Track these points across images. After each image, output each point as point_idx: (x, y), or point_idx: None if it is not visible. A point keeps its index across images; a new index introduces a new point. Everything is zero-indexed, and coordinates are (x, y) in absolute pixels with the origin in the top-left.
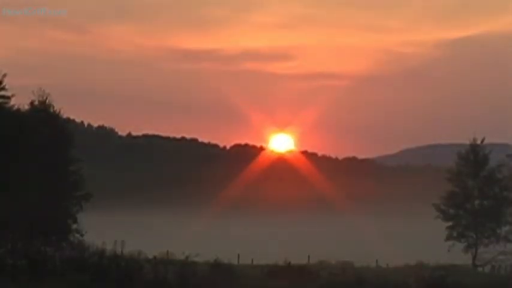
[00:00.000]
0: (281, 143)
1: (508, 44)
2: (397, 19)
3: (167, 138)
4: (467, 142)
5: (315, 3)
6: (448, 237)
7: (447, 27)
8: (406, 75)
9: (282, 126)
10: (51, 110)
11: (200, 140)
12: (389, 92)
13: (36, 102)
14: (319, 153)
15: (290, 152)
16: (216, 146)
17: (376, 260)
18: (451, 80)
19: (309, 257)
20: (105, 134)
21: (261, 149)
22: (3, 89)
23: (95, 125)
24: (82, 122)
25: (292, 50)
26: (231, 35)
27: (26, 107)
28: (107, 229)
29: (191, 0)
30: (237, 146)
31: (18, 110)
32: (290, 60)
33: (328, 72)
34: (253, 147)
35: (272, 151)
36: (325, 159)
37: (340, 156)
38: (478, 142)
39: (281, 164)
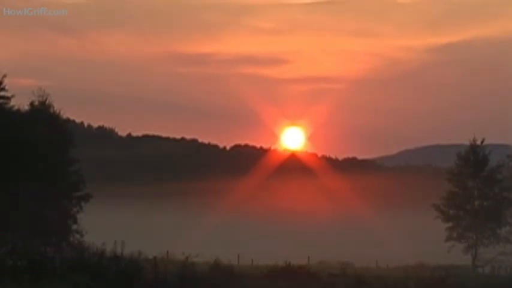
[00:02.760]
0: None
1: (499, 48)
2: (388, 25)
3: (167, 139)
4: (467, 143)
5: (309, 9)
6: (448, 238)
7: (437, 32)
8: (401, 79)
9: (280, 128)
10: (51, 111)
11: (200, 140)
12: (387, 95)
13: (36, 103)
14: (319, 154)
15: (290, 151)
16: (215, 146)
17: (376, 261)
18: (449, 82)
19: (309, 257)
20: (105, 134)
21: (261, 148)
22: (3, 89)
23: (95, 125)
24: (82, 122)
25: (288, 55)
26: (227, 39)
27: (26, 107)
28: (106, 229)
29: (189, 5)
30: (237, 147)
31: (18, 110)
32: (286, 64)
33: (323, 76)
34: (253, 147)
35: (274, 150)
36: (325, 159)
37: (340, 157)
38: (478, 143)
39: (282, 163)
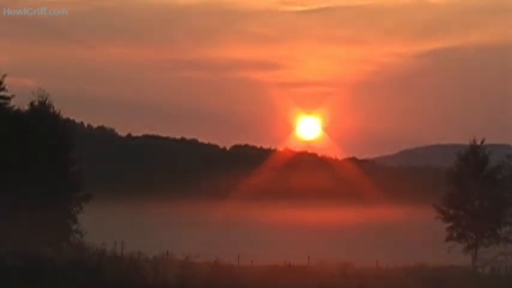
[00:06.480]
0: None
1: (487, 53)
2: (376, 31)
3: (167, 139)
4: (467, 143)
5: (301, 16)
6: (448, 238)
7: (425, 39)
8: (395, 83)
9: (279, 129)
10: (51, 111)
11: (200, 140)
12: (383, 97)
13: (36, 103)
14: (320, 154)
15: (291, 152)
16: (215, 146)
17: (376, 261)
18: (447, 84)
19: (309, 257)
20: (105, 135)
21: (261, 149)
22: (3, 89)
23: (95, 125)
24: (82, 122)
25: (282, 60)
26: (222, 45)
27: (26, 107)
28: (106, 230)
29: (187, 12)
30: (236, 147)
31: (18, 110)
32: (280, 69)
33: (318, 80)
34: (253, 147)
35: (274, 150)
36: (325, 159)
37: (340, 157)
38: (478, 143)
39: (283, 163)
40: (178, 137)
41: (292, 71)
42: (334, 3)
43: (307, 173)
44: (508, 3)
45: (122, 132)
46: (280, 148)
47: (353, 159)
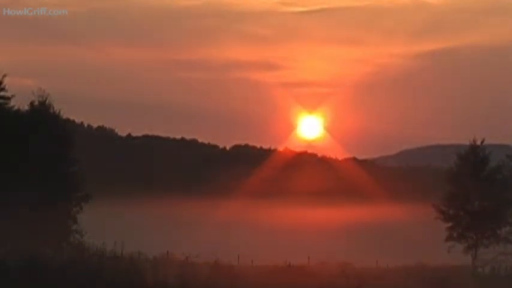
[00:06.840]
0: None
1: (485, 54)
2: (376, 32)
3: (167, 139)
4: (467, 143)
5: (301, 17)
6: (448, 238)
7: (425, 39)
8: (395, 83)
9: (280, 129)
10: (51, 111)
11: (200, 140)
12: (383, 97)
13: (36, 103)
14: (319, 154)
15: (291, 152)
16: (215, 146)
17: (376, 261)
18: (447, 84)
19: (309, 258)
20: (105, 135)
21: (261, 149)
22: (3, 89)
23: (95, 125)
24: (82, 122)
25: (282, 60)
26: (222, 45)
27: (26, 107)
28: (106, 230)
29: (186, 14)
30: (236, 147)
31: (18, 110)
32: (281, 70)
33: (317, 81)
34: (253, 147)
35: (275, 150)
36: (325, 159)
37: (340, 157)
38: (478, 143)
39: (283, 163)
40: (178, 137)
41: (293, 71)
42: (334, 4)
43: (307, 173)
44: (508, 4)
45: (121, 132)
46: (280, 148)
47: (353, 159)
